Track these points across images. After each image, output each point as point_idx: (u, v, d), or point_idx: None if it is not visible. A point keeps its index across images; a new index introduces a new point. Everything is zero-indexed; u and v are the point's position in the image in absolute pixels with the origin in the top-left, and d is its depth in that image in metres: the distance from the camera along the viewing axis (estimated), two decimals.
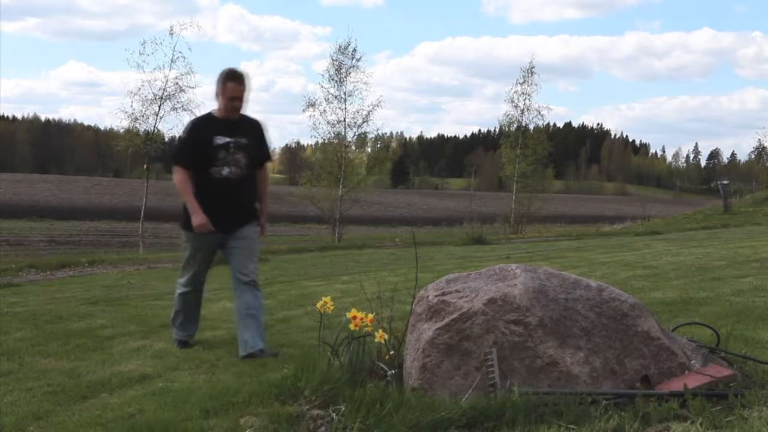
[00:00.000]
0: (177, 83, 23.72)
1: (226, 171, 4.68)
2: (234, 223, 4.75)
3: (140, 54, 23.60)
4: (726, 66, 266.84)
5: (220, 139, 4.65)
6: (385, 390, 3.01)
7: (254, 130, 4.85)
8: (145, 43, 23.73)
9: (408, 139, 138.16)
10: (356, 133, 27.20)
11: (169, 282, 10.71)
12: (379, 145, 40.44)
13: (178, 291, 5.11)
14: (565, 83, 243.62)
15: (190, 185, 4.72)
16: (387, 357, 3.47)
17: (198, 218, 4.65)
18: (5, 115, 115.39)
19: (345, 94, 26.58)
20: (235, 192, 4.72)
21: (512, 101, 31.93)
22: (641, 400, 2.84)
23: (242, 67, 4.71)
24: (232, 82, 4.60)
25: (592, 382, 2.99)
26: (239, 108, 4.70)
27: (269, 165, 5.09)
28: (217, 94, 4.66)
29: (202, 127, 4.79)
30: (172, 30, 23.61)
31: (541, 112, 32.28)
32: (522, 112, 31.82)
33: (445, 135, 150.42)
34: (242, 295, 4.72)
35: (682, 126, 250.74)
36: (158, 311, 7.19)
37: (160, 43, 23.56)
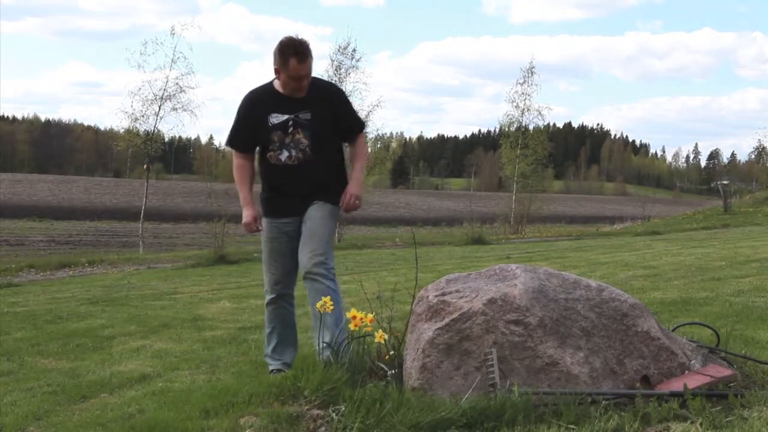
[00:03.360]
0: (177, 83, 23.70)
1: (284, 156, 3.85)
2: (304, 208, 3.90)
3: (141, 54, 23.60)
4: (726, 66, 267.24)
5: (276, 117, 3.82)
6: (385, 390, 3.00)
7: (325, 99, 3.88)
8: (146, 43, 23.73)
9: (408, 139, 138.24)
10: None
11: (169, 282, 10.72)
12: (379, 146, 40.37)
13: (265, 302, 4.06)
14: (565, 83, 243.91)
15: (246, 173, 3.99)
16: (387, 357, 3.47)
17: (245, 215, 3.93)
18: (5, 115, 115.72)
19: None
20: (300, 179, 3.87)
21: (512, 101, 31.94)
22: (641, 400, 2.84)
23: (300, 39, 3.75)
24: (295, 59, 3.67)
25: (592, 382, 2.99)
26: (305, 88, 3.79)
27: (364, 134, 4.11)
28: (276, 70, 3.79)
29: (256, 102, 3.90)
30: (173, 30, 23.60)
31: (542, 113, 32.28)
32: (522, 112, 31.81)
33: (445, 135, 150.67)
34: (307, 292, 3.81)
35: (682, 126, 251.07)
36: (158, 311, 7.20)
37: (161, 43, 23.57)
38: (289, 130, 3.82)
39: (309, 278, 3.73)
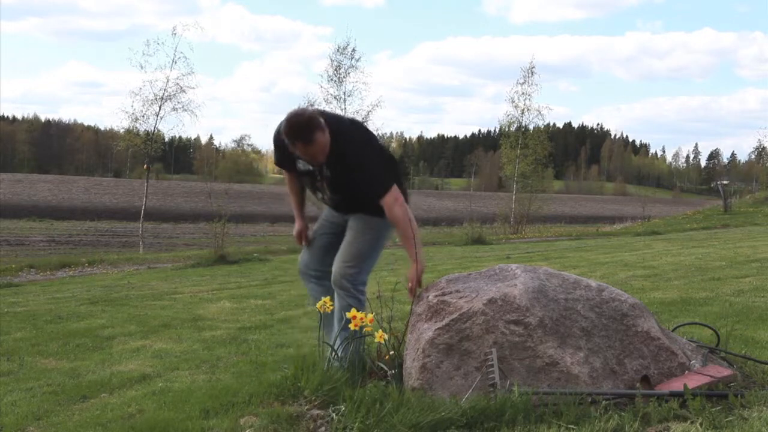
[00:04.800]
0: (178, 83, 23.71)
1: (318, 196, 3.80)
2: (349, 210, 3.75)
3: (143, 54, 23.69)
4: (726, 66, 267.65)
5: (304, 165, 3.65)
6: (385, 390, 3.01)
7: (342, 160, 3.50)
8: (149, 43, 23.82)
9: (408, 139, 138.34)
10: None
11: (169, 282, 10.72)
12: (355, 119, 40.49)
13: None
14: (565, 83, 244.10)
15: (293, 187, 3.93)
16: (387, 357, 3.47)
17: (294, 227, 3.95)
18: (5, 115, 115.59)
19: (344, 94, 26.65)
20: (337, 210, 3.82)
21: (512, 101, 31.96)
22: (641, 400, 2.84)
23: (296, 110, 3.45)
24: (301, 143, 3.38)
25: (592, 382, 2.99)
26: (322, 160, 3.49)
27: (389, 200, 3.46)
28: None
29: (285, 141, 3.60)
30: (174, 30, 23.62)
31: (542, 112, 32.29)
32: (522, 112, 31.81)
33: (445, 135, 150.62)
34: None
35: (682, 126, 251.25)
36: (158, 311, 7.19)
37: (163, 43, 23.61)
38: (318, 178, 3.66)
39: (336, 290, 3.69)
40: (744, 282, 7.26)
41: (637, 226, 27.99)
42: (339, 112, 26.40)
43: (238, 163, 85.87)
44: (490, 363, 2.99)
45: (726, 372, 3.13)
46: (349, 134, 3.54)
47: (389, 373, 3.31)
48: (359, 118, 26.36)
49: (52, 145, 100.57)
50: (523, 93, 31.67)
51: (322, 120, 3.41)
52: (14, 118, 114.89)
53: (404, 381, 3.22)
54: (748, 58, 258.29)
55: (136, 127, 24.11)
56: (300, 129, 3.37)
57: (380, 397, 2.90)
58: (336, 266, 3.69)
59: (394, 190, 3.46)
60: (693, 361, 3.21)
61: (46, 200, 49.86)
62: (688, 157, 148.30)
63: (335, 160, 3.50)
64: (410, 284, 3.49)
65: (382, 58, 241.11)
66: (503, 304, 3.09)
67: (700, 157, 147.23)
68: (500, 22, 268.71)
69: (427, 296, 3.32)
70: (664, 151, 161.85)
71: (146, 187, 25.14)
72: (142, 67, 23.36)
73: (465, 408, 2.80)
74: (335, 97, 26.57)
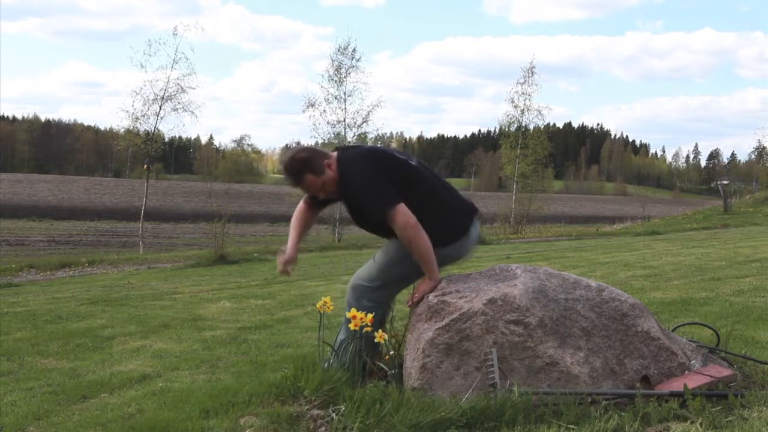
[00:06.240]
0: (179, 84, 23.74)
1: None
2: (386, 235, 3.66)
3: (144, 54, 23.78)
4: (727, 66, 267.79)
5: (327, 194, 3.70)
6: (385, 390, 3.01)
7: (345, 191, 3.52)
8: (151, 43, 23.93)
9: (408, 139, 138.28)
10: (356, 134, 27.23)
11: (169, 282, 10.72)
12: (379, 146, 40.49)
13: None
14: (565, 83, 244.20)
15: (299, 216, 3.80)
16: (387, 357, 3.47)
17: (285, 253, 3.74)
18: (5, 115, 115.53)
19: (345, 94, 26.66)
20: (377, 233, 3.74)
21: (512, 101, 31.96)
22: (641, 400, 2.84)
23: (286, 149, 3.65)
24: (292, 185, 3.55)
25: (592, 382, 2.99)
26: (323, 196, 3.61)
27: (400, 221, 3.31)
28: None
29: None
30: (175, 31, 23.67)
31: (542, 112, 32.30)
32: (522, 112, 31.83)
33: (445, 135, 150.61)
34: None
35: (682, 126, 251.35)
36: (158, 311, 7.20)
37: (164, 43, 23.67)
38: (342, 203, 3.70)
39: (347, 296, 3.69)
40: (744, 282, 7.26)
41: (637, 226, 28.03)
42: (339, 112, 26.42)
43: (238, 163, 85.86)
44: (490, 363, 2.99)
45: (726, 372, 3.13)
46: (347, 165, 3.47)
47: (389, 373, 3.31)
48: (360, 118, 26.42)
49: (52, 145, 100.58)
50: (523, 93, 31.72)
51: (322, 159, 3.45)
52: (14, 118, 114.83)
53: (404, 381, 3.22)
54: (748, 58, 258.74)
55: (137, 127, 24.18)
56: (287, 172, 3.52)
57: (380, 397, 2.90)
58: (355, 276, 3.71)
59: (401, 212, 3.32)
60: (693, 361, 3.21)
61: (46, 200, 49.87)
62: (688, 157, 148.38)
63: (343, 193, 3.53)
64: (416, 295, 3.42)
65: (382, 58, 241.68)
66: (503, 304, 3.09)
67: (700, 157, 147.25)
68: (500, 22, 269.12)
69: (427, 296, 3.32)
70: (664, 151, 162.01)
71: (146, 187, 25.16)
72: (142, 67, 23.45)
73: (465, 408, 2.80)
74: (335, 97, 26.60)
